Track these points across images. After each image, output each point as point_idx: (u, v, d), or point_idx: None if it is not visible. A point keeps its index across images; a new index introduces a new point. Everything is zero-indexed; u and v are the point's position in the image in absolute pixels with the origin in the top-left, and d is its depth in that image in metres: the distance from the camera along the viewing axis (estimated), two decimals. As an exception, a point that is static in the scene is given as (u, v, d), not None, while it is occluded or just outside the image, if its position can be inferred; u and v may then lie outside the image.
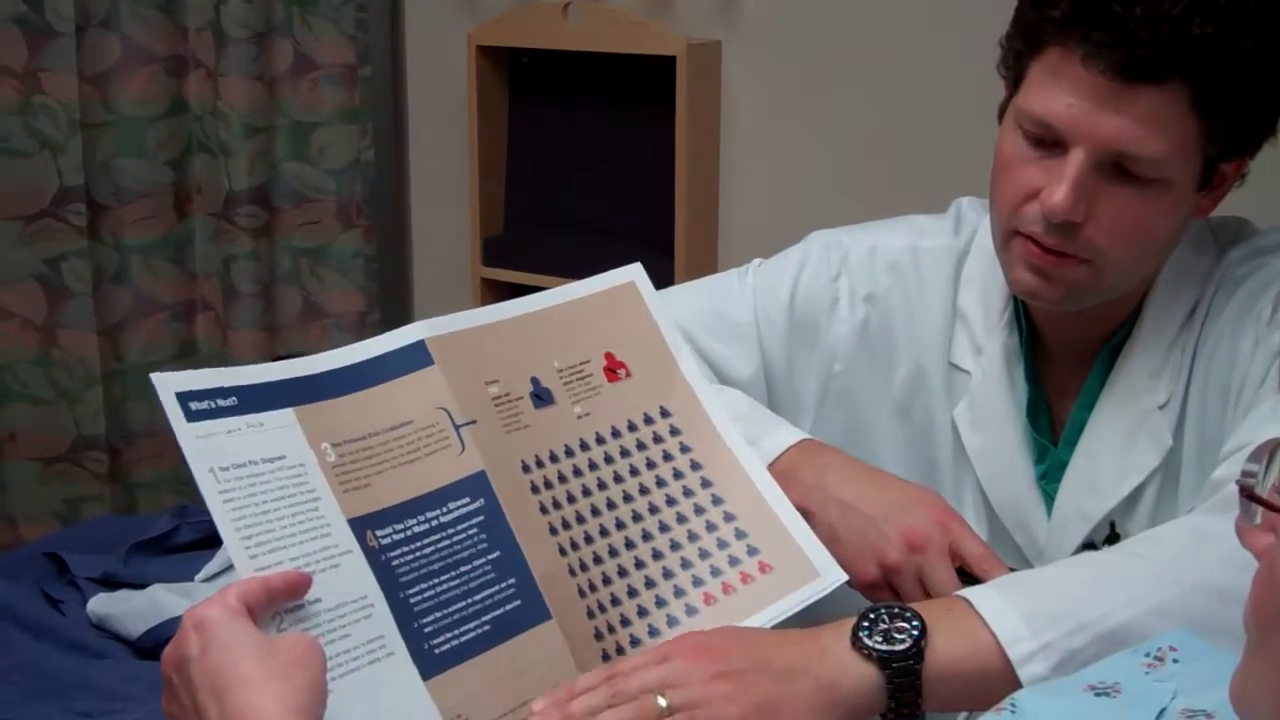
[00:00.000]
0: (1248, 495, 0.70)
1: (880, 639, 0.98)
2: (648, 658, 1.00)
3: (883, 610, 1.00)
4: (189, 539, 2.05)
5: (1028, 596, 1.00)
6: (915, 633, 0.98)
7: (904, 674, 0.97)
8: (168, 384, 0.94)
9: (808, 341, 1.32)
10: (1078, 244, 1.13)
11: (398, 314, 2.72)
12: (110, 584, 1.93)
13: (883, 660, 0.97)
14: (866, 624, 0.99)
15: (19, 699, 1.63)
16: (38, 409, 2.66)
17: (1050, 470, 1.26)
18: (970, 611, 1.00)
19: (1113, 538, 1.22)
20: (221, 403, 0.95)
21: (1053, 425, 1.28)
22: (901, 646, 0.98)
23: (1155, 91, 1.07)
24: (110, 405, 2.67)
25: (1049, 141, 1.12)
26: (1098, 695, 0.87)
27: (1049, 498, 1.25)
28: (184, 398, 0.94)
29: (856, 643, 0.99)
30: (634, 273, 1.23)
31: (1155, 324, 1.21)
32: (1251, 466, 0.70)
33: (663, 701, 0.96)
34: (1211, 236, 1.23)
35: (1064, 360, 1.26)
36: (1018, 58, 1.16)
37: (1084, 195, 1.10)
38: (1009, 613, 0.99)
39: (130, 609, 1.84)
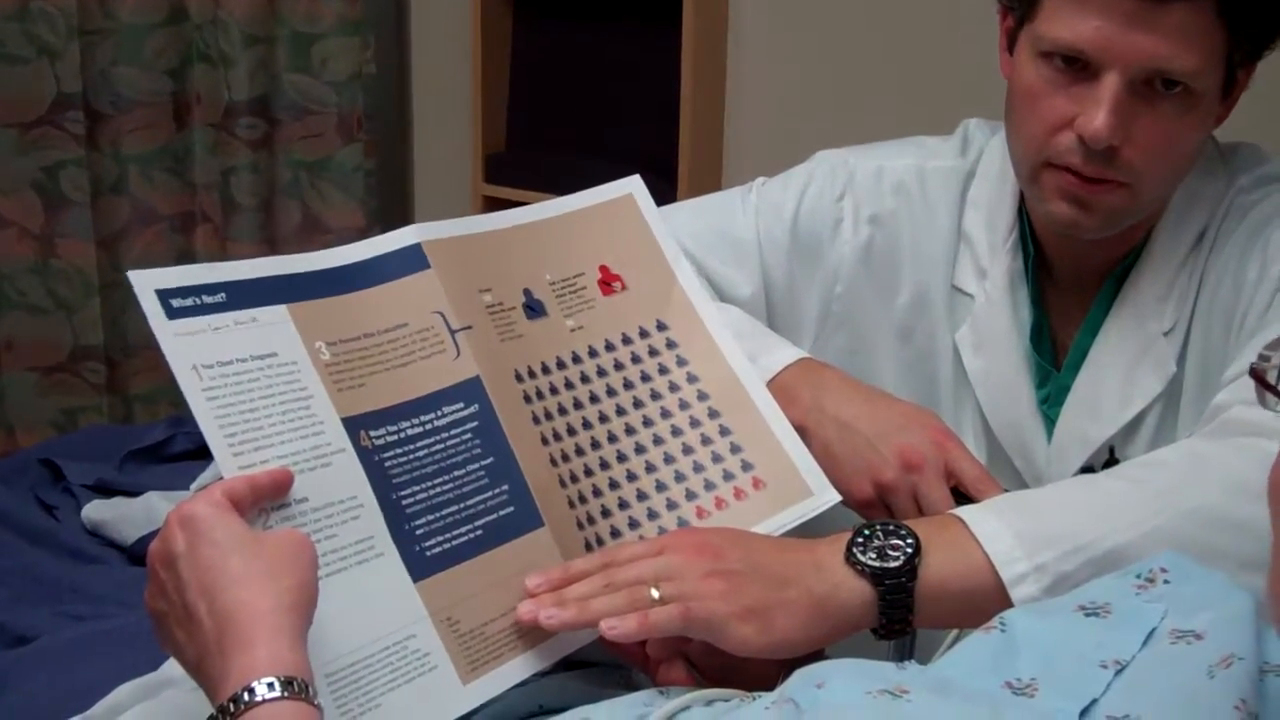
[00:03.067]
0: (1259, 379, 0.69)
1: (874, 555, 0.98)
2: (644, 548, 1.00)
3: (878, 526, 1.00)
4: (184, 448, 2.05)
5: (1022, 517, 1.00)
6: (909, 550, 0.98)
7: (896, 591, 0.98)
8: (147, 281, 0.93)
9: (810, 261, 1.31)
10: (1117, 168, 1.12)
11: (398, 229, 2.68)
12: (105, 491, 1.93)
13: (875, 576, 0.98)
14: (861, 539, 0.99)
15: (11, 602, 1.64)
16: (35, 318, 2.65)
17: (1053, 394, 1.25)
18: (964, 530, 1.00)
19: (1111, 463, 1.22)
20: (208, 299, 0.94)
21: (1055, 350, 1.27)
22: (895, 564, 0.98)
23: (1183, 5, 1.06)
24: (108, 316, 2.66)
25: (1077, 67, 1.11)
26: (1088, 615, 0.87)
27: (1050, 422, 1.25)
28: (164, 295, 0.93)
29: (850, 558, 0.99)
30: (632, 185, 1.21)
31: (1163, 250, 1.20)
32: (1269, 354, 0.69)
33: (655, 593, 0.96)
34: (1221, 161, 1.22)
35: (1070, 285, 1.25)
36: None
37: (1122, 118, 1.09)
38: (1003, 533, 0.99)
39: (124, 515, 1.84)
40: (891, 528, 1.00)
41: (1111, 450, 1.22)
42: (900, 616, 0.99)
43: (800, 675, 0.90)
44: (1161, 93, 1.10)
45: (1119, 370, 1.21)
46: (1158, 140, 1.11)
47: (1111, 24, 1.07)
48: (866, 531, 1.00)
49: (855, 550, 0.99)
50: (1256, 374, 0.69)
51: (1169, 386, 1.19)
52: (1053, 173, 1.14)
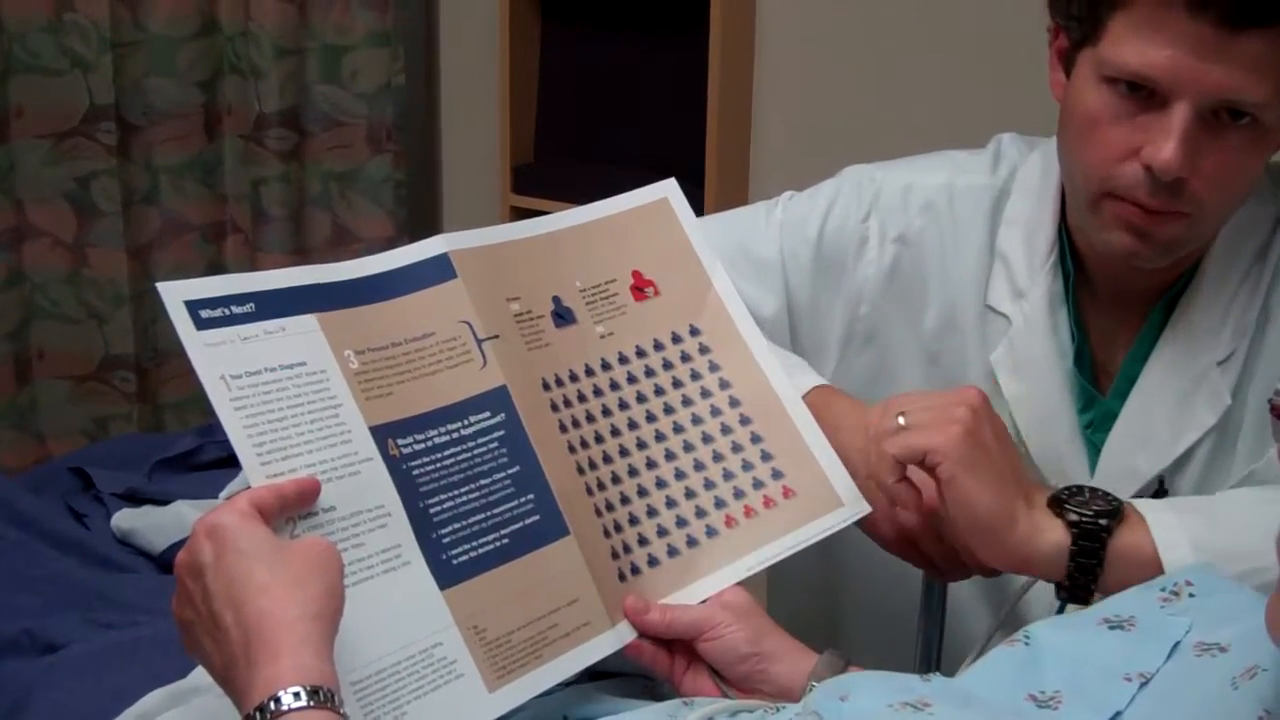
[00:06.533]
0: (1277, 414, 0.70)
1: (1076, 506, 1.03)
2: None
3: (1085, 488, 1.05)
4: (214, 457, 2.05)
5: (1202, 525, 1.02)
6: (1111, 512, 1.02)
7: (1090, 540, 1.01)
8: (175, 292, 0.93)
9: (833, 281, 1.29)
10: (1183, 200, 1.08)
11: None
12: (135, 500, 1.94)
13: (1073, 525, 1.02)
14: (1067, 493, 1.05)
15: (42, 609, 1.64)
16: (67, 328, 2.67)
17: (1098, 420, 1.22)
18: (1145, 529, 1.02)
19: (1161, 493, 1.19)
20: (236, 309, 0.94)
21: (1095, 372, 1.23)
22: (1093, 519, 1.02)
23: (1259, 36, 1.02)
24: (139, 325, 2.69)
25: (1143, 95, 1.07)
26: (1112, 628, 0.87)
27: (1093, 448, 1.22)
28: (193, 306, 0.93)
29: (1054, 503, 1.03)
30: (667, 189, 1.21)
31: (1217, 276, 1.17)
32: None
33: (901, 420, 1.04)
34: (1271, 185, 1.19)
35: (1114, 308, 1.22)
36: (1092, 7, 1.09)
37: (1190, 149, 1.06)
38: (1181, 542, 1.01)
39: (154, 524, 1.84)
40: (1100, 493, 1.04)
41: (1161, 480, 1.19)
42: (1085, 580, 1.02)
43: (824, 687, 0.90)
44: (1229, 124, 1.06)
45: (1170, 400, 1.18)
46: (1222, 172, 1.08)
47: (1183, 52, 1.03)
48: (1070, 489, 1.05)
49: (1061, 498, 1.04)
50: (1274, 409, 0.70)
51: (1223, 418, 1.17)
52: (1114, 203, 1.11)
